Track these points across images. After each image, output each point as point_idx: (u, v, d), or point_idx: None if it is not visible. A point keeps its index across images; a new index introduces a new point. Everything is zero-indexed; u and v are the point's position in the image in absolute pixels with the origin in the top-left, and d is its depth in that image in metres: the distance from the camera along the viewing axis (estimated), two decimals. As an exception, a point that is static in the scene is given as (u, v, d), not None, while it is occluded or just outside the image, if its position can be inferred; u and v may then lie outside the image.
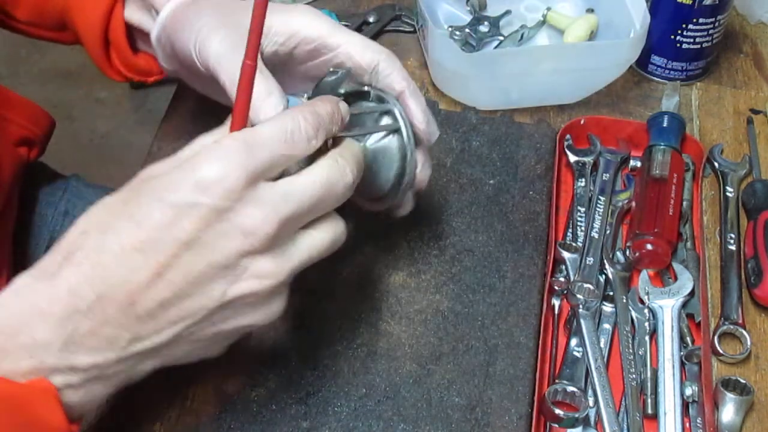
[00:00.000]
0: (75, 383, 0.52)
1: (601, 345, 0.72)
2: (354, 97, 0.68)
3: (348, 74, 0.66)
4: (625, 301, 0.75)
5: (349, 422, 0.66)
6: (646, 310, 0.75)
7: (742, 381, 0.69)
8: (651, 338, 0.73)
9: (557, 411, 0.66)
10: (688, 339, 0.73)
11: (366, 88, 0.68)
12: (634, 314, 0.74)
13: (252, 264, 0.52)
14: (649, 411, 0.69)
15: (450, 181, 0.82)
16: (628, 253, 0.78)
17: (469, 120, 0.88)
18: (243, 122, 0.56)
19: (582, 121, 0.87)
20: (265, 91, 0.62)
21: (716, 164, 0.85)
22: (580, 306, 0.73)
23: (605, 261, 0.77)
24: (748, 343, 0.72)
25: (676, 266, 0.77)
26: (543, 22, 0.99)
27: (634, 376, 0.71)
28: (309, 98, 0.65)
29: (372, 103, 0.68)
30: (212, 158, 0.52)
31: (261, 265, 0.53)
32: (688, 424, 0.68)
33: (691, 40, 0.92)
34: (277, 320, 0.67)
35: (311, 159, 0.57)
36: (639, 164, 0.85)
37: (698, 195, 0.84)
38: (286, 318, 0.72)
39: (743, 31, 1.03)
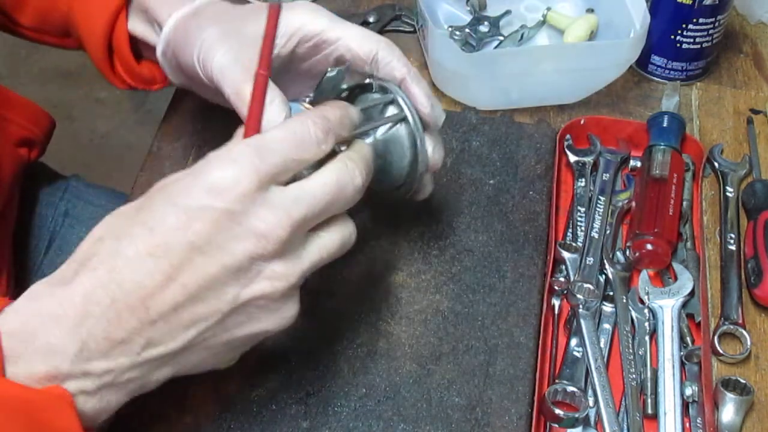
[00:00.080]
0: (89, 389, 0.52)
1: (601, 345, 0.72)
2: (357, 90, 0.68)
3: (348, 70, 0.66)
4: (625, 301, 0.75)
5: (349, 422, 0.66)
6: (646, 310, 0.75)
7: (742, 381, 0.69)
8: (651, 338, 0.73)
9: (557, 411, 0.66)
10: (688, 339, 0.73)
11: (368, 81, 0.68)
12: (634, 314, 0.74)
13: (264, 267, 0.53)
14: (649, 411, 0.69)
15: (450, 181, 0.82)
16: (628, 253, 0.78)
17: (469, 120, 0.88)
18: (256, 131, 0.57)
19: (582, 121, 0.87)
20: (268, 99, 0.62)
21: (716, 164, 0.85)
22: (580, 306, 0.73)
23: (605, 261, 0.77)
24: (748, 343, 0.72)
25: (676, 266, 0.77)
26: (543, 22, 0.99)
27: (634, 376, 0.71)
28: (312, 99, 0.65)
29: (376, 94, 0.68)
30: (224, 163, 0.52)
31: (273, 267, 0.53)
32: (688, 424, 0.68)
33: (691, 40, 0.92)
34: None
35: (321, 162, 0.57)
36: (639, 164, 0.85)
37: (698, 195, 0.84)
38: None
39: (743, 31, 1.03)
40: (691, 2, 0.88)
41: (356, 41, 0.68)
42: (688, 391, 0.69)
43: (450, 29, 0.97)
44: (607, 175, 0.84)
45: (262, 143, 0.53)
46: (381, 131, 0.67)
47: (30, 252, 0.96)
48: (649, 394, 0.70)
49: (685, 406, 0.69)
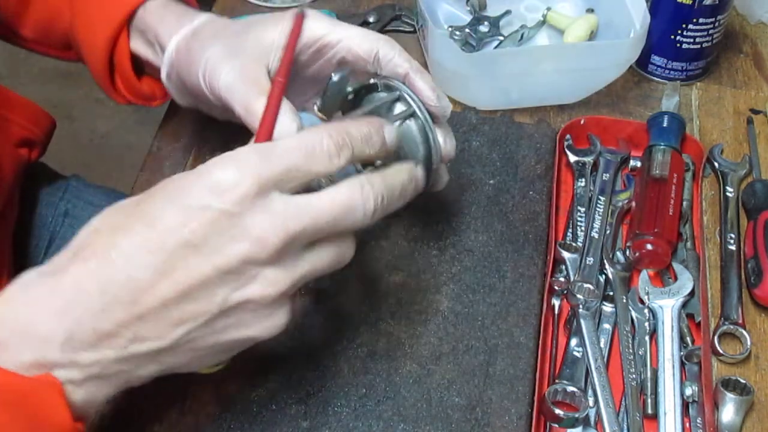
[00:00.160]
0: (76, 380, 0.52)
1: (601, 345, 0.72)
2: (363, 91, 0.69)
3: (351, 72, 0.66)
4: (625, 301, 0.75)
5: (349, 422, 0.66)
6: (646, 310, 0.75)
7: (742, 381, 0.69)
8: (651, 338, 0.73)
9: (557, 411, 0.66)
10: (688, 339, 0.73)
11: (372, 81, 0.68)
12: (634, 314, 0.74)
13: (257, 271, 0.52)
14: (649, 411, 0.69)
15: (450, 181, 0.82)
16: (628, 253, 0.78)
17: (469, 120, 0.88)
18: (267, 137, 0.57)
19: (582, 121, 0.87)
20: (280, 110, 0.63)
21: (716, 164, 0.85)
22: (580, 306, 0.73)
23: (605, 261, 0.77)
24: (748, 343, 0.72)
25: (676, 266, 0.77)
26: (543, 22, 0.99)
27: (634, 376, 0.71)
28: (320, 105, 0.66)
29: (382, 93, 0.68)
30: (227, 164, 0.52)
31: (265, 273, 0.53)
32: (688, 424, 0.68)
33: (691, 40, 0.92)
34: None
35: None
36: (639, 164, 0.85)
37: (698, 195, 0.84)
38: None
39: (743, 31, 1.03)
40: (691, 2, 0.88)
41: (356, 42, 0.68)
42: (688, 391, 0.69)
43: (450, 29, 0.97)
44: (607, 175, 0.84)
45: (269, 149, 0.53)
46: (393, 122, 0.67)
47: (30, 252, 0.96)
48: (649, 394, 0.70)
49: (685, 406, 0.69)
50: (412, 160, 0.68)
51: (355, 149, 0.55)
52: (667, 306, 0.74)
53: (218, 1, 1.03)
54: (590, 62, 0.89)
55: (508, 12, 0.99)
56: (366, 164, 0.68)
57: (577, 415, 0.66)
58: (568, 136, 0.86)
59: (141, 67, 0.81)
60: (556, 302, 0.76)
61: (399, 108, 0.68)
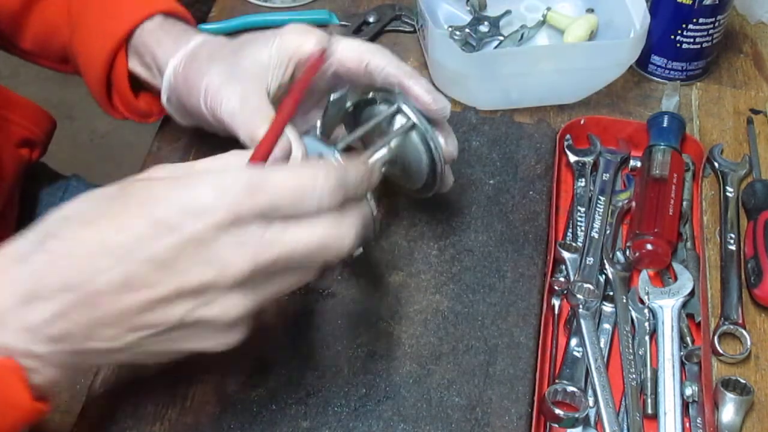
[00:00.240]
0: (34, 367, 0.52)
1: (601, 345, 0.72)
2: (362, 104, 0.70)
3: (350, 89, 0.68)
4: (625, 301, 0.75)
5: (349, 422, 0.66)
6: (646, 310, 0.75)
7: (742, 381, 0.69)
8: (651, 338, 0.73)
9: (557, 411, 0.66)
10: (688, 339, 0.73)
11: (371, 95, 0.70)
12: (634, 314, 0.74)
13: (219, 296, 0.52)
14: (649, 411, 0.69)
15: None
16: (628, 253, 0.78)
17: (469, 120, 0.88)
18: (264, 156, 0.56)
19: (582, 121, 0.87)
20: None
21: (716, 164, 0.85)
22: (580, 306, 0.73)
23: (605, 261, 0.77)
24: (748, 343, 0.72)
25: (676, 266, 0.77)
26: (543, 22, 0.99)
27: (634, 376, 0.71)
28: (321, 128, 0.67)
29: (382, 106, 0.70)
30: (210, 185, 0.51)
31: (228, 297, 0.52)
32: (688, 424, 0.68)
33: (691, 40, 0.92)
34: (276, 321, 0.68)
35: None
36: (639, 164, 0.85)
37: (698, 195, 0.84)
38: (286, 318, 0.72)
39: (743, 31, 1.03)
40: (691, 2, 0.88)
41: (346, 54, 0.68)
42: (688, 391, 0.69)
43: (450, 29, 0.97)
44: (607, 175, 0.84)
45: (258, 179, 0.51)
46: (395, 141, 0.69)
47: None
48: (649, 394, 0.70)
49: (685, 406, 0.69)
50: (416, 168, 0.71)
51: (348, 192, 0.54)
52: (667, 306, 0.74)
53: (218, 1, 1.03)
54: (590, 62, 0.89)
55: (508, 12, 0.99)
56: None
57: (577, 415, 0.66)
58: (568, 136, 0.86)
59: (139, 82, 0.81)
60: (556, 302, 0.76)
61: (399, 121, 0.69)
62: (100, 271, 0.50)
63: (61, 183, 1.02)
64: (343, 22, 1.00)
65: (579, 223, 0.80)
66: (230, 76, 0.68)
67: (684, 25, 0.91)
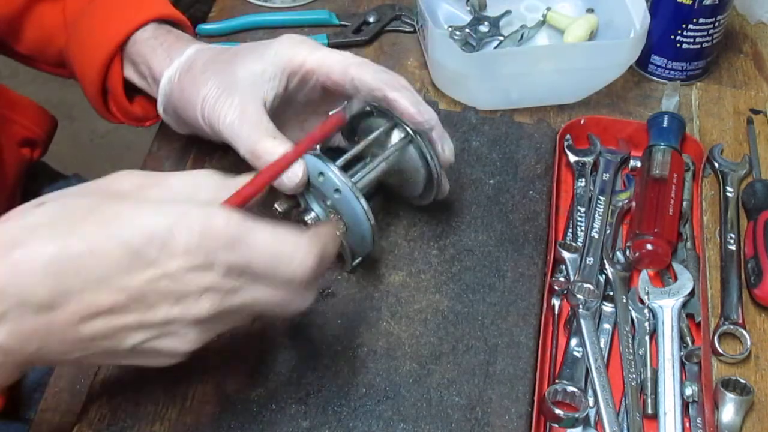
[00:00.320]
0: None
1: (601, 345, 0.72)
2: (362, 117, 0.71)
3: (347, 105, 0.68)
4: (625, 301, 0.75)
5: (349, 422, 0.66)
6: (646, 310, 0.75)
7: (742, 381, 0.69)
8: (651, 338, 0.73)
9: (557, 411, 0.66)
10: (688, 339, 0.73)
11: (368, 108, 0.71)
12: (634, 314, 0.74)
13: (179, 330, 0.53)
14: (649, 411, 0.69)
15: (450, 181, 0.82)
16: (628, 253, 0.78)
17: (469, 120, 0.88)
18: (241, 203, 0.56)
19: (582, 121, 0.87)
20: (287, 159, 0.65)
21: (716, 164, 0.85)
22: (580, 306, 0.73)
23: (605, 261, 0.77)
24: (748, 343, 0.72)
25: (676, 266, 0.77)
26: (543, 22, 0.99)
27: (634, 376, 0.71)
28: (321, 145, 0.68)
29: (379, 119, 0.72)
30: (194, 227, 0.51)
31: (185, 333, 0.53)
32: (688, 424, 0.68)
33: (691, 40, 0.92)
34: (277, 318, 0.68)
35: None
36: (639, 164, 0.85)
37: (698, 195, 0.84)
38: (286, 318, 0.72)
39: (743, 31, 1.03)
40: (691, 2, 0.88)
41: (331, 68, 0.69)
42: (688, 391, 0.69)
43: (450, 29, 0.97)
44: (607, 175, 0.84)
45: (242, 235, 0.51)
46: (392, 154, 0.71)
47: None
48: (649, 394, 0.70)
49: (685, 406, 0.69)
50: (414, 178, 0.74)
51: (324, 261, 0.55)
52: (667, 306, 0.74)
53: (218, 1, 1.03)
54: (590, 62, 0.89)
55: (508, 12, 0.99)
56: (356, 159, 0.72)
57: (577, 415, 0.66)
58: (568, 136, 0.86)
59: (135, 86, 0.81)
60: (556, 302, 0.76)
61: (396, 135, 0.71)
62: (67, 293, 0.49)
63: (61, 182, 1.02)
64: (343, 22, 1.00)
65: (579, 223, 0.80)
66: (226, 88, 0.68)
67: (684, 25, 0.91)
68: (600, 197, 0.82)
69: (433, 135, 0.71)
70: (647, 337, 0.73)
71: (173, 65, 0.73)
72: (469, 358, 0.70)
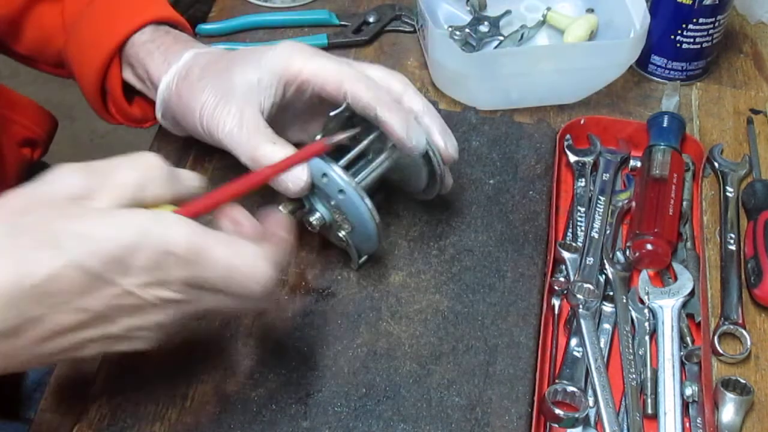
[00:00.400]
0: None
1: (601, 345, 0.72)
2: (362, 119, 0.71)
3: (348, 105, 0.68)
4: (625, 301, 0.75)
5: (349, 422, 0.66)
6: (646, 310, 0.75)
7: (742, 381, 0.69)
8: (651, 338, 0.73)
9: (557, 411, 0.66)
10: (688, 339, 0.73)
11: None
12: (634, 314, 0.74)
13: (138, 335, 0.54)
14: (649, 411, 0.69)
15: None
16: (628, 253, 0.78)
17: (469, 120, 0.88)
18: (195, 213, 0.56)
19: (582, 121, 0.87)
20: (288, 163, 0.66)
21: (716, 164, 0.85)
22: (580, 306, 0.73)
23: (605, 261, 0.77)
24: (748, 343, 0.72)
25: (676, 266, 0.77)
26: (543, 22, 0.99)
27: (634, 376, 0.71)
28: (321, 137, 0.69)
29: None
30: (153, 246, 0.51)
31: (145, 337, 0.54)
32: (688, 424, 0.68)
33: (691, 40, 0.92)
34: (277, 319, 0.68)
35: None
36: (639, 164, 0.85)
37: (698, 195, 0.84)
38: (286, 318, 0.72)
39: (743, 31, 1.03)
40: (691, 2, 0.88)
41: (327, 78, 0.69)
42: (688, 391, 0.69)
43: (450, 29, 0.97)
44: (607, 175, 0.84)
45: (199, 250, 0.52)
46: (394, 151, 0.71)
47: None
48: (649, 394, 0.70)
49: (685, 406, 0.69)
50: (416, 175, 0.74)
51: (281, 271, 0.56)
52: (667, 306, 0.74)
53: (218, 1, 1.03)
54: (590, 62, 0.89)
55: (508, 12, 0.99)
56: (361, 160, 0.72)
57: (577, 415, 0.66)
58: (568, 136, 0.86)
59: (134, 88, 0.81)
60: (556, 302, 0.76)
61: None
62: (29, 320, 0.49)
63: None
64: (343, 22, 1.00)
65: (579, 223, 0.80)
66: (223, 96, 0.69)
67: (684, 25, 0.91)
68: (600, 197, 0.82)
69: (435, 132, 0.71)
70: (647, 337, 0.73)
71: (171, 71, 0.73)
72: (469, 359, 0.70)
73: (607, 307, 0.75)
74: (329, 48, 0.96)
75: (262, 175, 0.65)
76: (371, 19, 1.00)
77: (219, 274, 0.53)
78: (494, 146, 0.85)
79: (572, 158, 0.85)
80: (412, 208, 0.80)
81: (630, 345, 0.72)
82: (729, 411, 0.68)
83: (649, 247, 0.77)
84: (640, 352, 0.72)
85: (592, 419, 0.68)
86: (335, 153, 0.68)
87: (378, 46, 0.99)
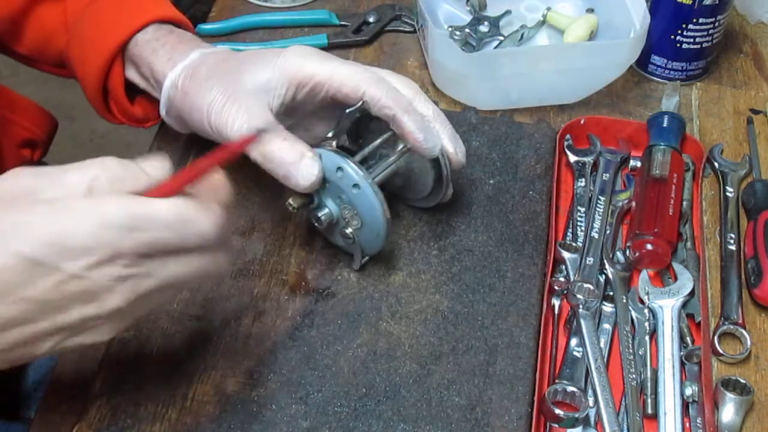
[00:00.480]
0: None
1: (601, 345, 0.72)
2: (368, 119, 0.72)
3: (364, 106, 0.69)
4: (625, 301, 0.75)
5: (349, 422, 0.66)
6: (646, 310, 0.75)
7: (742, 381, 0.69)
8: (651, 338, 0.73)
9: (557, 411, 0.66)
10: (688, 339, 0.73)
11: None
12: (634, 314, 0.74)
13: (97, 324, 0.52)
14: (649, 411, 0.69)
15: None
16: (628, 253, 0.78)
17: (469, 120, 0.88)
18: (165, 192, 0.53)
19: (582, 121, 0.87)
20: (298, 154, 0.66)
21: (716, 164, 0.85)
22: (580, 306, 0.73)
23: (605, 261, 0.77)
24: (748, 343, 0.72)
25: (676, 266, 0.77)
26: (543, 22, 0.99)
27: (634, 376, 0.71)
28: (332, 138, 0.70)
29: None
30: (88, 221, 0.49)
31: (104, 326, 0.53)
32: (688, 424, 0.68)
33: (691, 40, 0.92)
34: (277, 319, 0.68)
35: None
36: (639, 164, 0.85)
37: (698, 195, 0.84)
38: (286, 318, 0.72)
39: (743, 31, 1.03)
40: (691, 2, 0.88)
41: (343, 81, 0.69)
42: (688, 391, 0.69)
43: (450, 29, 0.97)
44: (607, 175, 0.84)
45: (139, 215, 0.50)
46: (404, 154, 0.72)
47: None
48: (649, 394, 0.70)
49: (685, 406, 0.69)
50: (422, 179, 0.75)
51: (227, 211, 0.54)
52: (667, 306, 0.74)
53: (218, 1, 1.03)
54: (590, 62, 0.89)
55: (508, 12, 0.99)
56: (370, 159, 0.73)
57: (577, 415, 0.66)
58: (568, 136, 0.86)
59: (135, 87, 0.81)
60: (556, 302, 0.76)
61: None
62: None
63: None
64: (343, 22, 1.00)
65: (579, 223, 0.80)
66: (231, 95, 0.69)
67: (684, 25, 0.91)
68: (600, 197, 0.82)
69: (445, 138, 0.72)
70: (647, 337, 0.73)
71: (176, 68, 0.73)
72: (469, 359, 0.70)
73: (607, 307, 0.75)
74: (329, 48, 0.96)
75: (221, 155, 0.59)
76: (371, 19, 1.00)
77: (165, 229, 0.51)
78: (494, 146, 0.86)
79: (572, 158, 0.85)
80: (412, 208, 0.80)
81: (630, 345, 0.73)
82: (729, 411, 0.68)
83: (649, 247, 0.77)
84: (640, 352, 0.72)
85: (592, 419, 0.68)
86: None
87: (378, 46, 0.99)
